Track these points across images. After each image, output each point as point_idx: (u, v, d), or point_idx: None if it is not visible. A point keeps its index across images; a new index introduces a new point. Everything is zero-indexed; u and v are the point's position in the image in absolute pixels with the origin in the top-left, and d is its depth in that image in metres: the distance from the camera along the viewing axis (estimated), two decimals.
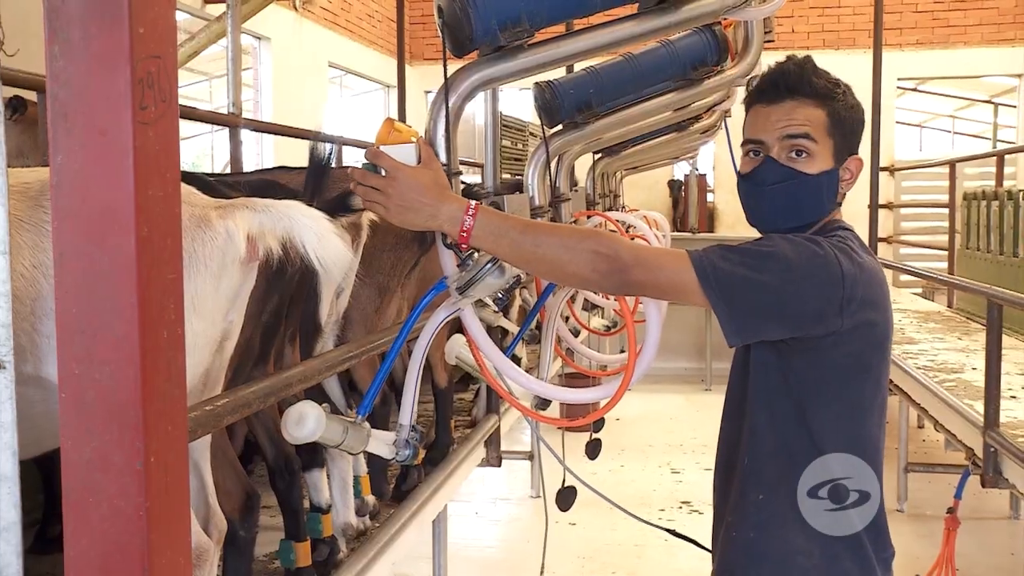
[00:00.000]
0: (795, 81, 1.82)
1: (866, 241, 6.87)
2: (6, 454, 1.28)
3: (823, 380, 1.76)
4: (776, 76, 1.84)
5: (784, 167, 1.81)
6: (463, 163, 1.94)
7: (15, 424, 1.28)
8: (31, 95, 3.19)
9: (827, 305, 1.68)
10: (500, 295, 1.77)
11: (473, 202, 1.63)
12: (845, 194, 1.88)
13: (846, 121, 1.83)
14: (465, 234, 1.61)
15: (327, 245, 1.82)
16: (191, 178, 2.11)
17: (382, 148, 1.65)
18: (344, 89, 11.80)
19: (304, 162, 2.51)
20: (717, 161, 12.61)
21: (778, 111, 1.82)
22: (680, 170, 12.53)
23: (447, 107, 1.82)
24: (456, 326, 2.00)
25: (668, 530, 2.19)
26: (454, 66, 1.93)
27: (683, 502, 6.62)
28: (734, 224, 12.20)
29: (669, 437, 8.06)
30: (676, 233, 9.88)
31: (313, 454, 2.71)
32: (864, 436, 1.79)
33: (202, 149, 11.03)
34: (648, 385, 9.96)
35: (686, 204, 12.20)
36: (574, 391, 2.09)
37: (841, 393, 1.76)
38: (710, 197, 12.78)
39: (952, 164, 9.37)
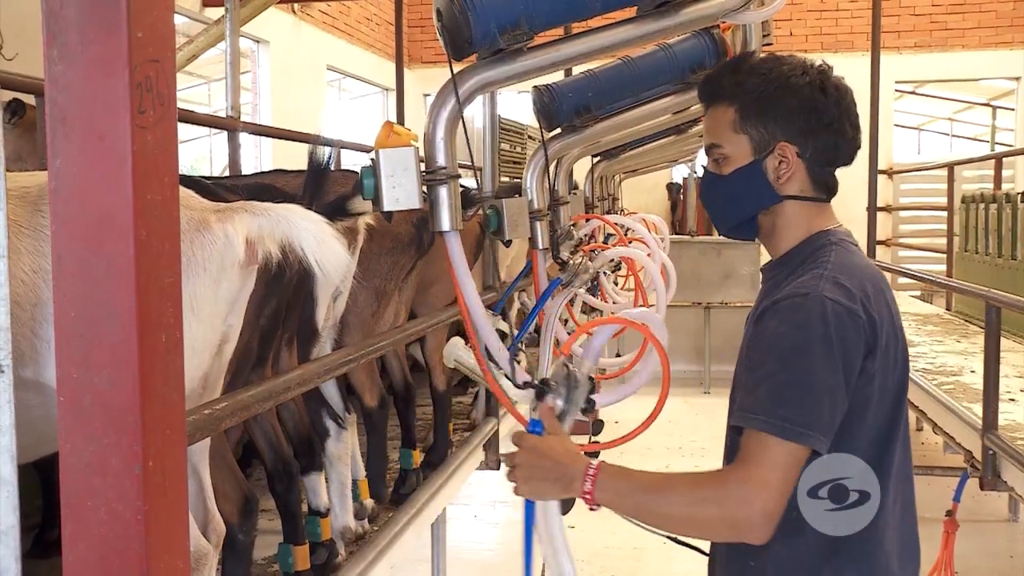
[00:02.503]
0: (709, 87, 1.84)
1: (864, 244, 6.81)
2: (5, 458, 1.28)
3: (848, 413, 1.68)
4: (702, 82, 1.87)
5: (709, 174, 1.85)
6: (461, 167, 1.95)
7: (14, 428, 1.28)
8: (30, 99, 3.19)
9: (860, 359, 1.65)
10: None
11: (593, 463, 1.64)
12: (790, 178, 1.78)
13: (767, 109, 1.75)
14: (588, 496, 1.63)
15: (326, 249, 1.82)
16: (190, 182, 2.11)
17: (381, 151, 1.66)
18: (342, 92, 11.80)
19: (302, 165, 2.51)
20: None
21: (705, 120, 1.85)
22: (679, 173, 12.54)
23: (459, 106, 1.81)
24: (455, 330, 2.00)
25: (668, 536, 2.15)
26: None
27: None
28: None
29: (668, 440, 8.06)
30: (674, 236, 9.89)
31: (311, 458, 2.71)
32: (887, 463, 1.72)
33: (200, 153, 11.03)
34: (647, 388, 9.98)
35: (684, 207, 12.20)
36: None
37: (863, 424, 1.70)
38: None
39: (950, 167, 9.38)
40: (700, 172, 12.24)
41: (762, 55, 1.98)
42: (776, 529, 1.59)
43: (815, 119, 1.76)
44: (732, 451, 1.78)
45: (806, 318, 1.61)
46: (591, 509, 1.67)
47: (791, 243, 1.82)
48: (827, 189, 1.84)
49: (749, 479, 1.56)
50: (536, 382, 1.76)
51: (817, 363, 1.59)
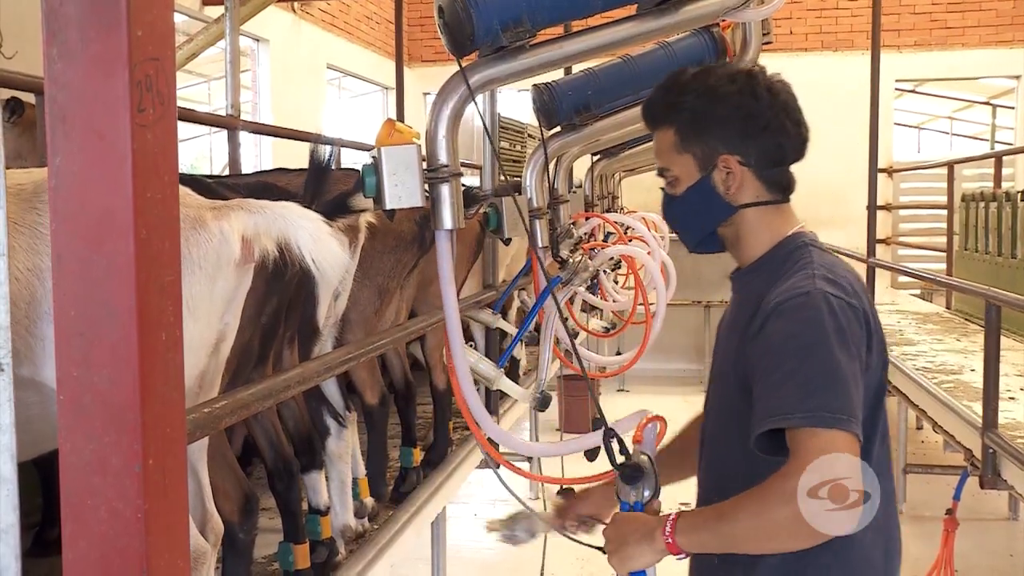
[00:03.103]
0: (650, 114, 1.88)
1: (864, 243, 6.83)
2: (5, 456, 1.28)
3: None
4: (643, 109, 1.91)
5: (666, 195, 1.89)
6: (462, 165, 1.96)
7: (13, 427, 1.28)
8: (29, 97, 3.19)
9: (864, 350, 1.68)
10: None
11: (669, 519, 1.67)
12: (741, 188, 1.80)
13: (704, 125, 1.78)
14: (670, 542, 1.66)
15: (322, 247, 1.82)
16: (190, 180, 2.11)
17: (383, 149, 1.65)
18: (342, 91, 11.79)
19: (303, 164, 2.51)
20: None
21: (654, 143, 1.90)
22: None
23: (470, 96, 1.81)
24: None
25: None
26: (452, 68, 1.93)
27: (682, 503, 6.62)
28: None
29: (668, 438, 8.05)
30: (674, 235, 9.88)
31: (312, 456, 2.71)
32: (868, 458, 1.70)
33: (200, 151, 11.03)
34: (647, 387, 9.97)
35: None
36: (568, 443, 2.06)
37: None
38: None
39: (950, 165, 9.37)
40: None
41: (721, 66, 1.97)
42: None
43: (751, 125, 1.77)
44: (724, 464, 1.81)
45: (815, 314, 1.62)
46: (678, 558, 1.70)
47: (760, 249, 1.83)
48: (782, 189, 1.85)
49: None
50: (629, 465, 1.79)
51: (837, 354, 1.60)
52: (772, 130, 1.78)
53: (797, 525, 1.53)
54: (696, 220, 1.86)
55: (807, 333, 1.62)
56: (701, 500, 1.86)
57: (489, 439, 2.04)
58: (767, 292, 1.71)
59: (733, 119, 1.77)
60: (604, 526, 1.81)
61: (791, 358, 1.62)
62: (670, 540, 1.65)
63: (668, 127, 1.83)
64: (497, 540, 2.09)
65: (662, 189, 1.91)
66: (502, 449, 2.22)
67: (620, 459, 1.81)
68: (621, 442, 1.83)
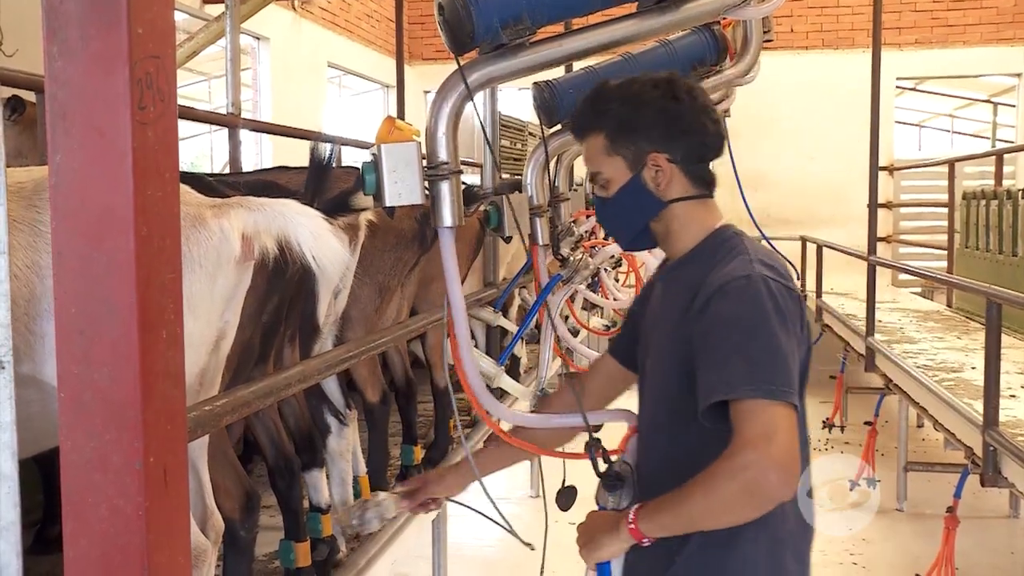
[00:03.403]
0: (578, 122, 1.98)
1: (864, 241, 6.81)
2: (5, 454, 1.28)
3: None
4: (571, 119, 1.99)
5: (597, 198, 1.99)
6: (462, 163, 1.96)
7: (14, 424, 1.28)
8: (30, 95, 3.19)
9: (798, 328, 1.80)
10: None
11: (631, 512, 1.78)
12: (669, 184, 1.91)
13: (631, 128, 1.89)
14: (633, 527, 1.77)
15: (322, 244, 1.81)
16: (191, 178, 2.11)
17: (383, 146, 1.65)
18: (343, 89, 11.79)
19: (303, 162, 2.51)
20: (716, 161, 12.60)
21: (583, 151, 2.00)
22: None
23: (468, 95, 1.85)
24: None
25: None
26: (453, 66, 1.93)
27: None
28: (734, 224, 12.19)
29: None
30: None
31: (313, 454, 2.71)
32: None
33: (201, 150, 11.03)
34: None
35: None
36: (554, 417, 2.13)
37: None
38: None
39: (951, 163, 9.37)
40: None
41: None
42: None
43: (675, 125, 1.89)
44: (657, 434, 1.92)
45: (756, 296, 1.75)
46: (642, 544, 1.79)
47: (691, 241, 1.94)
48: (707, 184, 1.97)
49: (752, 444, 1.64)
50: (612, 474, 1.91)
51: (777, 332, 1.73)
52: (695, 129, 1.90)
53: (746, 497, 1.65)
54: (629, 217, 1.97)
55: (751, 313, 1.74)
56: (646, 484, 1.92)
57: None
58: (704, 278, 1.82)
59: (659, 120, 1.89)
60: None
61: (737, 335, 1.73)
62: (633, 526, 1.76)
63: (597, 133, 1.93)
64: (349, 527, 2.21)
65: (593, 194, 2.03)
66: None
67: (603, 467, 1.93)
68: (605, 453, 1.96)
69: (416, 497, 2.18)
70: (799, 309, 1.81)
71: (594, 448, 1.95)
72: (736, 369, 1.69)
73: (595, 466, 1.94)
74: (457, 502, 2.23)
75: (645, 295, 2.11)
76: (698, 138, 1.91)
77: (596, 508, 1.93)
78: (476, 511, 2.18)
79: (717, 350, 1.73)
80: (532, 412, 2.17)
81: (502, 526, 2.12)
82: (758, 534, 1.78)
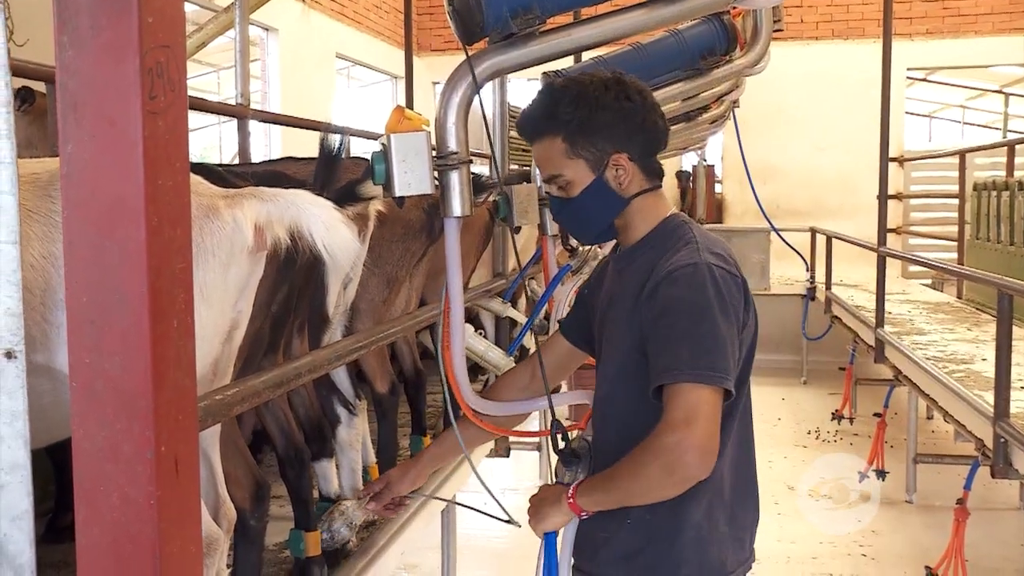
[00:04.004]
0: (531, 126, 2.01)
1: (874, 232, 6.76)
2: (18, 443, 1.29)
3: None
4: (520, 122, 2.03)
5: (557, 199, 2.04)
6: (471, 154, 1.98)
7: (27, 413, 1.29)
8: (40, 86, 3.19)
9: (741, 311, 1.91)
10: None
11: (570, 488, 1.94)
12: (630, 181, 1.99)
13: (591, 130, 1.95)
14: (571, 501, 1.93)
15: (334, 234, 1.82)
16: (200, 168, 2.11)
17: (392, 136, 1.65)
18: (352, 80, 11.80)
19: (312, 153, 2.50)
20: (726, 152, 12.57)
21: (535, 153, 2.04)
22: (688, 161, 12.50)
23: (475, 88, 1.86)
24: (464, 317, 2.02)
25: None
26: (462, 56, 1.93)
27: (789, 487, 6.74)
28: (742, 215, 12.17)
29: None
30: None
31: (322, 444, 2.72)
32: (736, 404, 1.97)
33: (210, 141, 11.04)
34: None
35: (694, 195, 12.17)
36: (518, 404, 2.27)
37: (737, 368, 1.92)
38: (718, 188, 12.74)
39: (962, 154, 9.33)
40: (707, 160, 12.21)
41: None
42: None
43: (630, 124, 1.97)
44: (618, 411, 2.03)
45: (701, 283, 1.85)
46: (581, 517, 1.95)
47: (644, 230, 2.03)
48: (657, 175, 2.05)
49: (673, 426, 1.76)
50: (568, 451, 2.04)
51: (719, 319, 1.84)
52: (647, 127, 1.98)
53: (665, 475, 1.78)
54: (594, 216, 2.03)
55: (695, 299, 1.85)
56: (604, 459, 2.00)
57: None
58: (655, 264, 1.92)
59: (616, 122, 1.95)
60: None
61: (683, 321, 1.84)
62: (572, 500, 1.91)
63: (554, 136, 1.97)
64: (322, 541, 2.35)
65: (548, 195, 2.08)
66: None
67: (561, 445, 2.07)
68: (564, 432, 2.10)
69: (382, 497, 2.26)
70: (742, 295, 1.91)
71: (555, 428, 2.09)
72: (679, 354, 1.81)
73: (554, 443, 2.08)
74: (430, 496, 2.41)
75: (598, 278, 2.20)
76: (651, 135, 1.99)
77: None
78: (447, 500, 2.47)
79: (663, 335, 1.84)
80: (482, 394, 2.27)
81: (475, 510, 2.26)
82: (703, 492, 1.91)
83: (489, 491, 2.13)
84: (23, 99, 3.24)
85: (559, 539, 2.02)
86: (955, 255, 9.15)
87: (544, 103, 1.98)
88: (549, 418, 2.17)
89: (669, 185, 12.60)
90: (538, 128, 1.99)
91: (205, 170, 2.11)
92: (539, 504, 2.00)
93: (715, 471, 1.90)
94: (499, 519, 2.26)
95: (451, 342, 2.08)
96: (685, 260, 1.89)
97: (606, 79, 1.97)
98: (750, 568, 2.07)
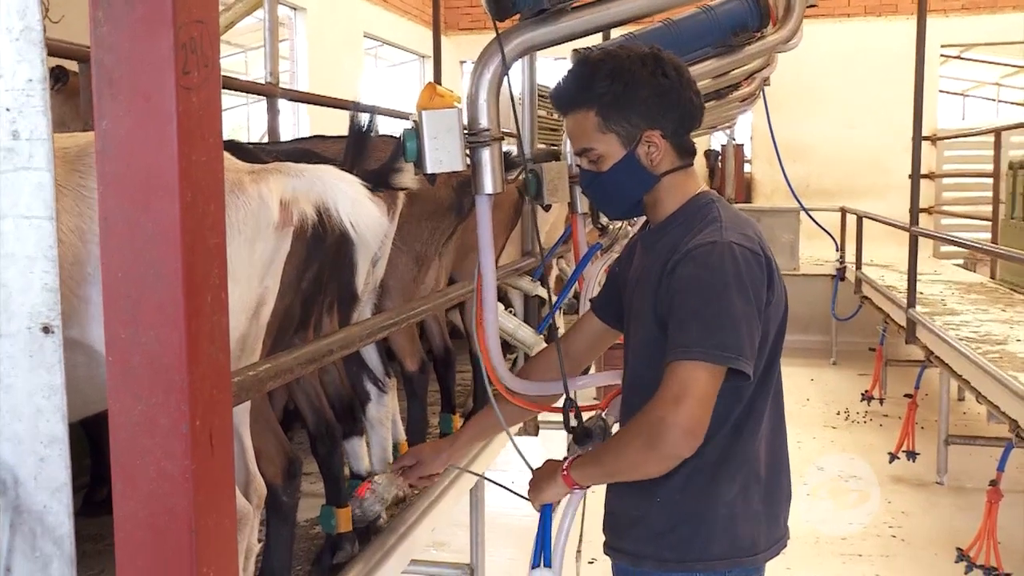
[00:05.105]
0: (565, 98, 2.01)
1: (905, 212, 6.70)
2: (56, 417, 1.30)
3: None
4: (553, 95, 2.04)
5: (587, 172, 2.04)
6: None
7: (64, 387, 1.30)
8: (73, 66, 3.21)
9: (764, 290, 1.90)
10: None
11: (565, 461, 1.99)
12: (662, 158, 1.98)
13: (625, 105, 1.94)
14: (566, 475, 1.98)
15: (361, 210, 1.81)
16: (231, 145, 2.11)
17: (424, 113, 1.65)
18: (379, 60, 11.78)
19: (341, 132, 2.50)
20: (755, 131, 12.46)
21: (568, 126, 2.04)
22: (717, 140, 12.41)
23: (504, 66, 1.85)
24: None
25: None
26: (490, 35, 1.92)
27: (819, 467, 6.75)
28: (771, 194, 12.07)
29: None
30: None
31: (353, 422, 2.73)
32: (770, 382, 1.99)
33: (238, 122, 11.08)
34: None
35: (723, 174, 12.08)
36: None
37: (765, 345, 1.94)
38: (747, 167, 12.64)
39: (997, 132, 9.19)
40: (736, 139, 12.12)
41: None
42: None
43: (665, 101, 1.95)
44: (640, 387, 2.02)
45: (719, 262, 1.85)
46: (573, 490, 1.99)
47: (673, 207, 2.02)
48: (690, 153, 2.05)
49: (662, 402, 1.79)
50: (580, 429, 2.08)
51: (735, 298, 1.83)
52: (682, 103, 1.98)
53: (648, 451, 1.80)
54: (624, 192, 2.03)
55: (712, 278, 1.84)
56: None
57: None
58: (680, 242, 1.93)
59: (651, 98, 1.94)
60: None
61: (697, 299, 1.84)
62: (566, 474, 1.96)
63: (587, 110, 1.96)
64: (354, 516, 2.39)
65: (579, 167, 2.09)
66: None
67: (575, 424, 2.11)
68: (578, 411, 2.12)
69: (413, 472, 2.30)
70: (766, 274, 1.90)
71: (567, 406, 2.12)
72: (689, 332, 1.82)
73: (565, 421, 2.12)
74: (462, 469, 2.47)
75: (627, 256, 2.20)
76: (686, 112, 1.99)
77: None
78: (476, 474, 2.59)
79: (678, 313, 1.85)
80: (517, 374, 2.29)
81: (504, 487, 2.27)
82: (735, 472, 1.94)
83: (529, 467, 2.13)
84: (56, 78, 3.26)
85: (557, 513, 2.07)
86: (988, 235, 9.03)
87: (579, 75, 1.98)
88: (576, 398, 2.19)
89: (698, 165, 12.50)
90: (572, 101, 1.99)
91: (235, 147, 2.11)
92: (538, 479, 2.04)
93: (751, 450, 1.93)
94: (526, 498, 2.26)
95: (484, 320, 2.09)
96: (706, 239, 1.89)
97: (643, 54, 1.96)
98: (785, 545, 2.07)
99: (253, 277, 1.85)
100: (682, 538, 1.96)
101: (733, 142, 12.04)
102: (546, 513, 2.07)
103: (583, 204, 3.10)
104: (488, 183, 1.84)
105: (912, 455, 6.37)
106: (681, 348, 1.81)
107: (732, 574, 1.96)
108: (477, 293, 2.06)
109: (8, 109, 1.29)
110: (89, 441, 2.85)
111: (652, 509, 1.97)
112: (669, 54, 2.00)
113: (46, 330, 1.30)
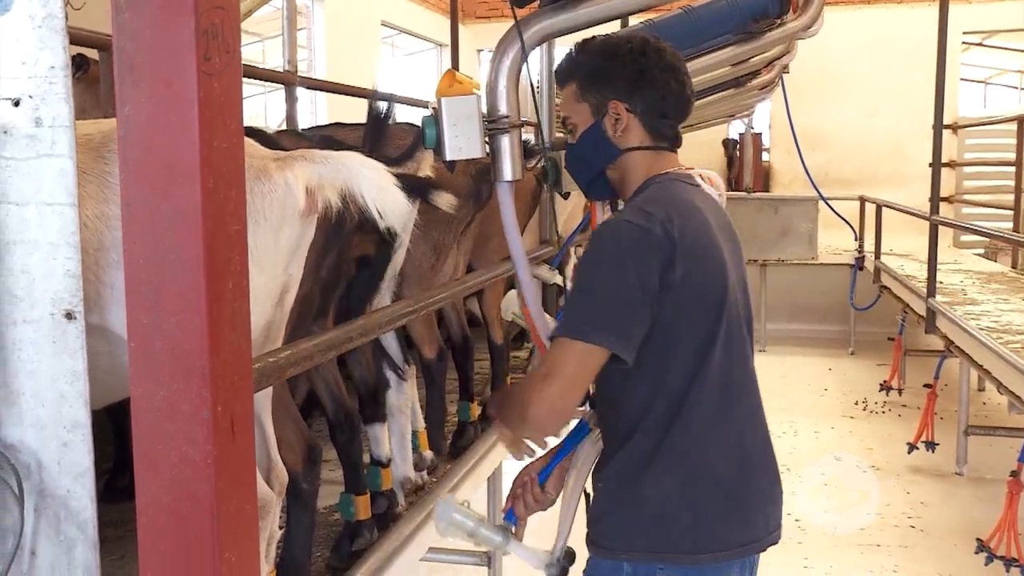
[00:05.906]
0: (560, 73, 2.05)
1: (925, 202, 6.62)
2: (79, 402, 1.31)
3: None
4: (555, 72, 2.10)
5: (568, 144, 2.08)
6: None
7: (86, 373, 1.31)
8: (94, 54, 3.22)
9: (658, 270, 1.83)
10: None
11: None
12: (627, 132, 1.99)
13: (598, 77, 1.98)
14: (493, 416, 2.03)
15: (386, 196, 1.81)
16: (251, 132, 2.11)
17: (443, 100, 1.64)
18: (396, 49, 11.76)
19: (360, 120, 2.50)
20: (773, 120, 12.38)
21: (561, 100, 2.09)
22: (735, 129, 12.34)
23: (523, 53, 1.87)
24: (512, 284, 2.02)
25: None
26: (507, 24, 1.92)
27: (836, 457, 6.69)
28: (790, 183, 12.00)
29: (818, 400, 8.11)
30: (731, 193, 9.75)
31: (374, 409, 2.74)
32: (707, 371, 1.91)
33: (256, 111, 11.09)
34: (790, 348, 9.77)
35: (741, 163, 12.01)
36: None
37: (683, 331, 1.90)
38: (765, 156, 12.57)
39: (1020, 120, 9.10)
40: (755, 127, 12.05)
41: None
42: (606, 443, 1.99)
43: (639, 78, 1.97)
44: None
45: (599, 241, 1.87)
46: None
47: (634, 188, 2.03)
48: (667, 139, 2.04)
49: (536, 377, 1.82)
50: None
51: (608, 276, 1.82)
52: (657, 85, 1.98)
53: (520, 421, 1.85)
54: (587, 161, 2.05)
55: (590, 257, 1.87)
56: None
57: None
58: None
59: (624, 72, 1.97)
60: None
61: (577, 279, 1.89)
62: (492, 412, 2.01)
63: (572, 81, 2.02)
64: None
65: (567, 141, 2.12)
66: None
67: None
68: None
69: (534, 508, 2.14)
70: (664, 253, 1.82)
71: None
72: (567, 311, 1.87)
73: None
74: None
75: None
76: (659, 93, 1.98)
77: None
78: None
79: (568, 294, 1.92)
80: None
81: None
82: (672, 465, 1.90)
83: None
84: (77, 66, 3.27)
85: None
86: (1010, 224, 8.96)
87: (574, 52, 2.04)
88: None
89: (716, 154, 12.47)
90: (563, 75, 2.04)
91: (256, 133, 2.11)
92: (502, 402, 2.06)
93: (690, 445, 1.89)
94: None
95: (528, 306, 2.14)
96: (608, 221, 1.93)
97: (634, 37, 2.01)
98: (763, 549, 1.99)
99: (278, 264, 1.85)
100: (609, 526, 1.96)
101: (751, 130, 11.96)
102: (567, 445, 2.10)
103: None
104: (507, 170, 1.84)
105: (931, 445, 6.34)
106: (560, 325, 1.84)
107: (664, 570, 1.90)
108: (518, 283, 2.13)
109: (31, 96, 1.30)
110: (113, 428, 2.87)
111: (596, 494, 2.01)
112: (665, 44, 2.03)
113: (69, 316, 1.31)
